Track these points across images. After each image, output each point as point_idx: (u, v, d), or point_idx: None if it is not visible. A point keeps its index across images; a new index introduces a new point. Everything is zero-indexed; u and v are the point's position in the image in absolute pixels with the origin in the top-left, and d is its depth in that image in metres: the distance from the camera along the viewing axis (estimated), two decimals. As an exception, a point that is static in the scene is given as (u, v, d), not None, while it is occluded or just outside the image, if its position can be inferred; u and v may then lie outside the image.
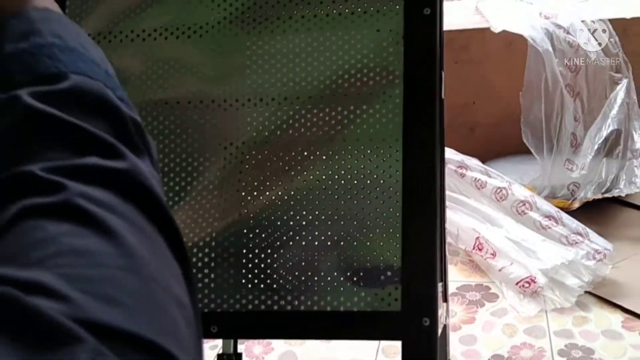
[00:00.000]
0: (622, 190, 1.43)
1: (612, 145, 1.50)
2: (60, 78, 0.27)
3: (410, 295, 0.53)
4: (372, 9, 0.58)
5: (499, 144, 1.84)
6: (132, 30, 0.58)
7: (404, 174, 0.54)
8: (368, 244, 0.54)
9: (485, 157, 1.88)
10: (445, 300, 0.99)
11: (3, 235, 0.22)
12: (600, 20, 1.68)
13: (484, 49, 1.80)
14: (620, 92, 1.57)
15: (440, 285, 0.57)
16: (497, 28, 1.58)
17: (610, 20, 1.67)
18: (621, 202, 1.50)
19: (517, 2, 1.80)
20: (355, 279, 0.54)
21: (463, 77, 1.87)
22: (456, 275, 1.32)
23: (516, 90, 1.60)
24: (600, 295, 1.19)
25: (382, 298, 0.53)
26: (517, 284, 1.21)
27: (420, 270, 0.53)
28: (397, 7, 0.57)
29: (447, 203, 1.40)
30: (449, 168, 1.50)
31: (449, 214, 1.37)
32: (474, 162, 1.55)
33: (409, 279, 0.53)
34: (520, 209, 1.34)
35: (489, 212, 1.34)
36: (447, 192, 1.44)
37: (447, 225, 1.38)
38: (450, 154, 1.52)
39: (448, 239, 1.38)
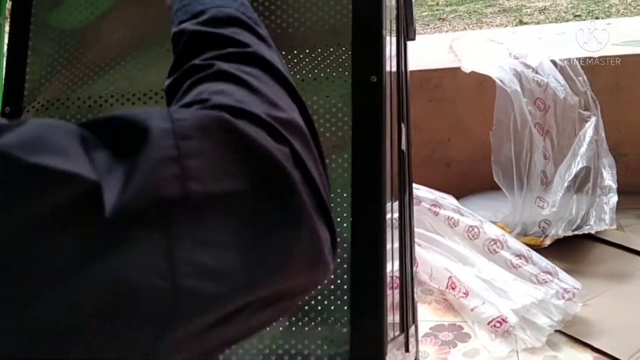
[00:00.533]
0: (592, 227, 1.45)
1: (581, 183, 1.53)
2: (203, 13, 0.42)
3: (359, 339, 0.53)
4: (322, 75, 0.60)
5: (475, 180, 1.86)
6: (89, 97, 0.59)
7: (352, 235, 0.55)
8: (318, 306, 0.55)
9: (461, 192, 1.91)
10: (416, 342, 1.00)
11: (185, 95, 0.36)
12: (568, 59, 1.73)
13: (457, 87, 1.84)
14: (589, 129, 1.61)
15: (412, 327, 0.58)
16: (467, 68, 1.62)
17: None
18: (592, 238, 1.52)
19: (488, 42, 1.85)
20: (305, 321, 0.55)
21: (437, 114, 1.91)
22: (430, 315, 1.33)
23: (489, 128, 1.64)
24: (571, 334, 1.20)
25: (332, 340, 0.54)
26: (488, 323, 1.22)
27: (368, 323, 0.54)
28: (346, 73, 0.59)
29: (421, 242, 1.41)
30: (423, 206, 1.52)
31: (423, 253, 1.38)
32: (448, 200, 1.57)
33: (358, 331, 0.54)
34: (492, 247, 1.35)
35: (462, 251, 1.35)
36: (422, 231, 1.45)
37: (421, 265, 1.39)
38: (424, 192, 1.54)
39: (423, 278, 1.40)
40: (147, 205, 0.25)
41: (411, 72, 1.88)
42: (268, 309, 0.31)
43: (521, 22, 5.97)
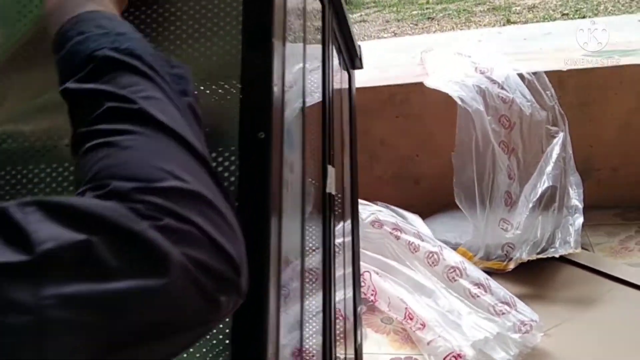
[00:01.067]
0: (557, 250, 1.41)
1: (547, 202, 1.48)
2: (92, 59, 0.40)
3: None
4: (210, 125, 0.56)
5: (444, 196, 1.81)
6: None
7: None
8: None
9: (431, 208, 1.87)
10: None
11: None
12: (535, 72, 1.68)
13: (424, 103, 1.79)
14: (556, 146, 1.56)
15: None
16: (430, 85, 1.57)
17: (547, 73, 1.67)
18: (559, 259, 1.48)
19: (455, 55, 1.80)
20: None
21: (405, 130, 1.86)
22: (387, 347, 1.29)
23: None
24: (529, 368, 1.16)
25: None
26: (445, 358, 1.17)
27: None
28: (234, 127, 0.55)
29: (379, 271, 1.37)
30: (385, 230, 1.47)
31: (381, 282, 1.34)
32: (411, 221, 1.53)
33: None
34: (451, 275, 1.31)
35: (420, 280, 1.31)
36: (380, 258, 1.41)
37: (380, 293, 1.35)
38: (386, 215, 1.50)
39: (382, 307, 1.35)
40: None
41: (378, 87, 1.86)
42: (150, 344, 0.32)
43: (509, 21, 5.93)
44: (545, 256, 1.40)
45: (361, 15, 8.31)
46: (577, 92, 1.69)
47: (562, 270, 1.46)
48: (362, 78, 1.95)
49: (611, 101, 1.69)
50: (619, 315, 1.29)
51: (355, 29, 7.13)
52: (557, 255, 1.39)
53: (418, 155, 1.89)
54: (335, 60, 0.99)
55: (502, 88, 1.61)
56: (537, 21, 5.83)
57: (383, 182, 1.93)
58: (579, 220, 1.45)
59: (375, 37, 6.28)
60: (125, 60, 0.40)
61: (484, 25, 5.94)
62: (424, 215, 1.86)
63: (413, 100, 1.81)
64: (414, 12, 7.92)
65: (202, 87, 0.59)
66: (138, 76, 0.40)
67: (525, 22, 5.65)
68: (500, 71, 1.67)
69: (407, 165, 1.90)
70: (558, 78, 1.69)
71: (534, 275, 1.44)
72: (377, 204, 1.79)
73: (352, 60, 1.12)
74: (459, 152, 1.49)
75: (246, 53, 0.56)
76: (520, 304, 1.21)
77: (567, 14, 5.87)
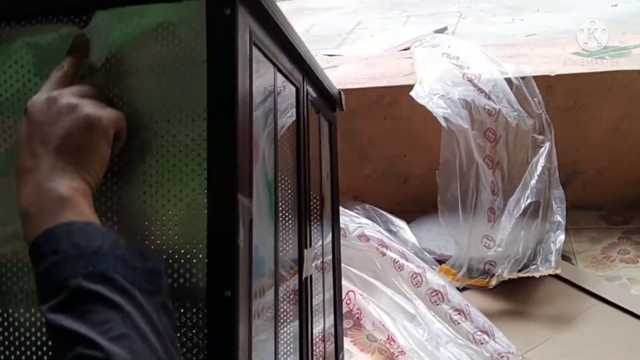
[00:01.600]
0: (538, 268, 1.44)
1: (530, 218, 1.50)
2: (64, 287, 0.42)
3: None
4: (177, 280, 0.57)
5: (430, 195, 1.83)
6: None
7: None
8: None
9: (418, 206, 1.89)
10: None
11: None
12: (524, 77, 1.66)
13: (412, 105, 1.77)
14: (541, 157, 1.57)
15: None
16: (416, 98, 1.56)
17: (535, 78, 1.66)
18: (541, 272, 1.51)
19: (443, 55, 1.77)
20: None
21: (393, 131, 1.86)
22: (372, 368, 1.34)
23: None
24: (505, 396, 1.21)
25: None
26: (423, 386, 1.22)
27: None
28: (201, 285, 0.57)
29: (362, 293, 1.40)
30: (371, 244, 1.50)
31: (364, 304, 1.37)
32: (395, 239, 1.55)
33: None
34: (433, 298, 1.34)
35: (402, 303, 1.35)
36: (365, 277, 1.44)
37: (364, 313, 1.39)
38: (373, 231, 1.52)
39: (367, 325, 1.40)
40: None
41: (366, 89, 1.83)
42: None
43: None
44: (525, 275, 1.43)
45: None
46: (566, 97, 1.68)
47: (542, 284, 1.49)
48: (350, 74, 1.94)
49: (600, 106, 1.68)
50: (598, 335, 1.33)
51: None
52: (537, 275, 1.42)
53: (406, 155, 1.89)
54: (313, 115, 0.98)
55: (489, 98, 1.59)
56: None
57: (372, 181, 1.94)
58: (561, 237, 1.47)
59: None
60: (97, 290, 0.43)
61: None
62: (411, 211, 1.89)
63: (402, 102, 1.79)
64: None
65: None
66: (109, 309, 0.42)
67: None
68: (487, 77, 1.65)
69: (395, 164, 1.91)
70: (546, 83, 1.67)
71: (514, 290, 1.48)
72: (365, 207, 1.82)
73: (332, 106, 1.11)
74: (443, 170, 1.49)
75: (211, 211, 0.57)
76: (499, 334, 1.25)
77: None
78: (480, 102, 1.56)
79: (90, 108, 0.54)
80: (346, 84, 1.85)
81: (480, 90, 1.61)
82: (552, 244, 1.46)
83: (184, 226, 0.59)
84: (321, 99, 1.01)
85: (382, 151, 1.89)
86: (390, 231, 1.71)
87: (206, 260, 0.56)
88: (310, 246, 0.88)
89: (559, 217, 1.50)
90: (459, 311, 1.30)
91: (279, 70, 0.75)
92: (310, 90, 0.92)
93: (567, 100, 1.68)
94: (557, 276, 1.49)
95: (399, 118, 1.83)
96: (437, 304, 1.33)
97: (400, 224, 1.72)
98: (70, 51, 0.61)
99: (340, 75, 1.95)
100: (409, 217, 1.85)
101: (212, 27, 0.58)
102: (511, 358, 1.21)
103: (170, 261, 0.58)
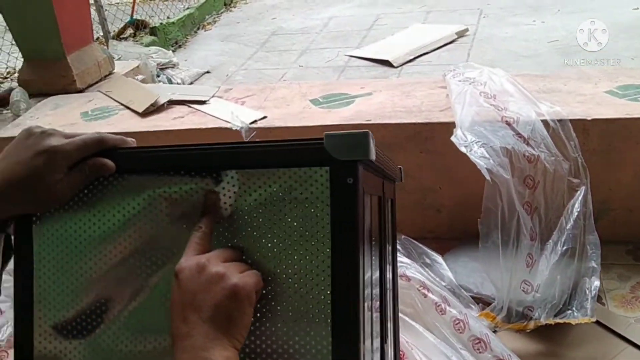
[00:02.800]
0: (574, 314, 1.51)
1: (566, 264, 1.57)
2: None
3: None
4: None
5: (463, 224, 1.89)
6: None
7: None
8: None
9: (451, 233, 1.96)
10: None
11: None
12: (560, 120, 1.71)
13: (448, 140, 1.82)
14: (577, 201, 1.62)
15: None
16: (458, 145, 1.61)
17: (571, 121, 1.70)
18: (574, 312, 1.58)
19: (480, 96, 1.81)
20: None
21: (429, 164, 1.91)
22: (415, 411, 1.42)
23: (479, 178, 1.63)
24: None
25: None
26: None
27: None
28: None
29: (407, 339, 1.48)
30: (412, 284, 1.56)
31: (407, 348, 1.45)
32: (434, 279, 1.61)
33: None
34: (476, 346, 1.42)
35: (445, 349, 1.42)
36: (407, 320, 1.51)
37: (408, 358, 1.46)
38: (414, 272, 1.58)
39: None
40: None
41: (404, 124, 1.88)
42: None
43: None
44: (562, 321, 1.51)
45: None
46: (600, 140, 1.73)
47: (577, 325, 1.56)
48: (386, 105, 1.97)
49: (633, 148, 1.73)
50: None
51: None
52: (573, 322, 1.49)
53: (441, 187, 1.94)
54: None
55: (528, 144, 1.64)
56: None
57: (406, 210, 2.00)
58: (596, 283, 1.54)
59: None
60: None
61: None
62: (443, 238, 1.96)
63: (437, 139, 1.84)
64: None
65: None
66: None
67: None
68: (525, 119, 1.69)
69: (429, 195, 1.96)
70: (582, 126, 1.71)
71: (549, 332, 1.55)
72: (400, 238, 1.88)
73: (392, 176, 1.16)
74: (485, 219, 1.55)
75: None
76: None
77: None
78: (520, 149, 1.61)
79: (236, 277, 0.61)
80: (384, 117, 1.90)
81: (519, 135, 1.65)
82: (587, 291, 1.53)
83: None
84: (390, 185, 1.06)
85: (417, 183, 1.94)
86: (426, 264, 1.79)
87: None
88: (387, 341, 0.95)
89: (594, 263, 1.56)
90: (501, 360, 1.38)
91: (371, 196, 0.81)
92: (388, 191, 0.98)
93: (602, 143, 1.73)
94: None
95: (434, 152, 1.88)
96: (480, 352, 1.41)
97: (436, 258, 1.79)
98: (204, 209, 0.67)
99: (376, 106, 1.99)
100: (442, 243, 1.92)
101: (335, 193, 0.64)
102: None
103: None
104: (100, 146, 0.71)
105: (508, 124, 1.68)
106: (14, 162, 0.67)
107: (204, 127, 1.99)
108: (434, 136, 1.85)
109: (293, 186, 0.66)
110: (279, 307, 0.66)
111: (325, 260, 0.64)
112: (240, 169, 0.68)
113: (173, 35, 4.35)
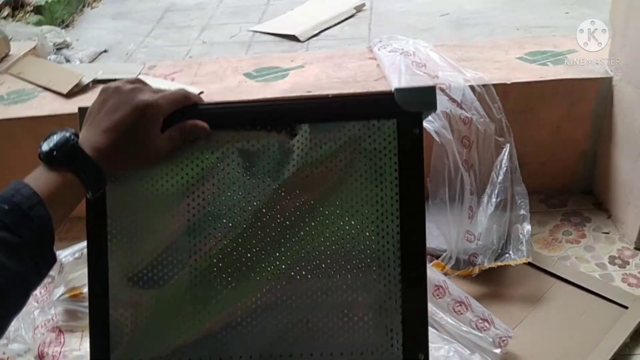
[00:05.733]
0: (512, 257, 1.70)
1: (500, 212, 1.75)
2: None
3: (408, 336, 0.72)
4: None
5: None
6: None
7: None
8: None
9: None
10: None
11: None
12: (485, 85, 1.88)
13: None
14: (504, 157, 1.81)
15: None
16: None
17: (494, 85, 1.88)
18: (507, 256, 1.78)
19: (413, 65, 1.94)
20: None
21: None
22: None
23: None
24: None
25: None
26: None
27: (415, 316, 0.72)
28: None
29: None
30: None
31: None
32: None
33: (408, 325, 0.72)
34: (436, 292, 1.56)
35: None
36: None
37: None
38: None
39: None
40: None
41: (344, 95, 1.95)
42: None
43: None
44: (502, 263, 1.69)
45: None
46: (519, 101, 1.93)
47: (513, 268, 1.75)
48: (321, 77, 2.04)
49: (547, 108, 1.95)
50: (564, 312, 1.62)
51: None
52: (512, 263, 1.68)
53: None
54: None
55: (461, 108, 1.80)
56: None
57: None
58: (528, 227, 1.74)
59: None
60: None
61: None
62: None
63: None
64: None
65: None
66: None
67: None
68: (455, 86, 1.85)
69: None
70: (503, 89, 1.90)
71: (491, 274, 1.73)
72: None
73: None
74: (433, 178, 1.69)
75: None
76: (497, 320, 1.50)
77: None
78: (456, 112, 1.76)
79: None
80: (323, 89, 1.97)
81: (453, 100, 1.80)
82: (521, 235, 1.72)
83: None
84: None
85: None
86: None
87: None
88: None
89: (524, 211, 1.76)
90: (460, 303, 1.53)
91: None
92: None
93: (520, 104, 1.93)
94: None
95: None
96: (440, 297, 1.55)
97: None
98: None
99: (312, 78, 2.05)
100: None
101: (403, 143, 0.71)
102: (509, 341, 1.46)
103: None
104: (186, 102, 0.72)
105: (442, 90, 1.82)
106: (115, 124, 0.67)
107: (140, 105, 1.94)
108: (371, 105, 1.95)
109: (362, 137, 0.72)
110: (351, 253, 0.73)
111: (394, 204, 0.71)
112: (313, 123, 0.72)
113: (59, 14, 4.08)
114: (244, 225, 0.72)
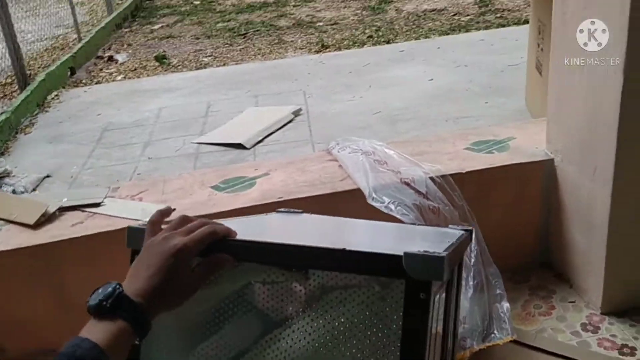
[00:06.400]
0: (497, 336, 1.77)
1: (479, 295, 1.84)
2: None
3: None
4: None
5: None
6: None
7: None
8: None
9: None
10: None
11: None
12: (443, 175, 2.03)
13: (357, 206, 2.03)
14: (472, 242, 1.92)
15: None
16: (380, 207, 1.82)
17: (451, 175, 2.03)
18: (491, 336, 1.85)
19: (375, 164, 2.07)
20: None
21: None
22: None
23: None
24: None
25: None
26: None
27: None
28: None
29: None
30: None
31: None
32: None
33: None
34: None
35: None
36: None
37: None
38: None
39: None
40: None
41: (315, 197, 2.02)
42: None
43: (323, 46, 6.38)
44: (491, 343, 1.76)
45: (162, 27, 8.13)
46: (475, 188, 2.08)
47: (497, 347, 1.82)
48: (288, 182, 2.12)
49: (500, 192, 2.11)
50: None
51: (166, 47, 6.98)
52: (500, 342, 1.75)
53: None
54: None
55: (428, 199, 1.92)
56: (346, 41, 6.37)
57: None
58: (506, 305, 1.83)
59: (197, 62, 6.25)
60: None
61: (300, 49, 6.33)
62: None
63: (348, 204, 2.03)
64: (219, 25, 8.02)
65: None
66: None
67: (338, 45, 6.15)
68: (418, 178, 1.98)
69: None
70: (460, 178, 2.05)
71: (478, 357, 1.79)
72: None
73: None
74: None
75: None
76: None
77: (371, 37, 6.51)
78: (424, 203, 1.88)
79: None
80: (293, 193, 2.05)
81: (419, 192, 1.93)
82: (502, 314, 1.81)
83: None
84: None
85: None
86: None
87: None
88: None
89: (499, 290, 1.86)
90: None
91: None
92: None
93: (476, 190, 2.08)
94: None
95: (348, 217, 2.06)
96: None
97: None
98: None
99: (280, 184, 2.13)
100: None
101: (408, 304, 0.75)
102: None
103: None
104: (214, 238, 0.79)
105: (407, 184, 1.95)
106: (153, 272, 0.76)
107: (113, 228, 1.93)
108: (344, 203, 2.03)
109: (370, 291, 0.78)
110: None
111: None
112: (327, 270, 0.79)
113: (-8, 143, 4.02)
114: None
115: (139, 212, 1.97)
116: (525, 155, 2.14)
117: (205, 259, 0.79)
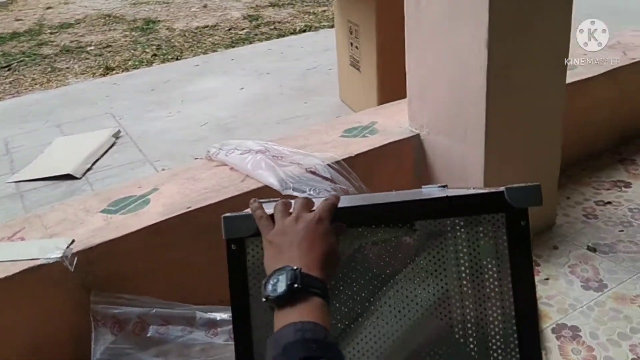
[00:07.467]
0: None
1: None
2: None
3: None
4: None
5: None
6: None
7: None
8: None
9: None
10: None
11: None
12: (337, 162, 2.16)
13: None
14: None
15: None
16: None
17: (344, 160, 2.17)
18: None
19: (273, 159, 2.11)
20: None
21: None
22: None
23: None
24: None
25: None
26: None
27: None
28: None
29: None
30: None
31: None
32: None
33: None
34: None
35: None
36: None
37: None
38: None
39: None
40: None
41: (224, 200, 1.99)
42: None
43: (108, 68, 6.06)
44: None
45: None
46: (363, 169, 2.25)
47: None
48: (188, 193, 2.03)
49: (383, 169, 2.32)
50: None
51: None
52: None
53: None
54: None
55: (335, 183, 2.04)
56: (130, 61, 6.16)
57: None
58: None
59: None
60: None
61: (81, 74, 5.94)
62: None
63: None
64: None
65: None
66: None
67: (124, 66, 5.90)
68: (319, 167, 2.08)
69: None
70: (350, 162, 2.20)
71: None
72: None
73: None
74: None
75: None
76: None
77: (155, 55, 6.37)
78: (336, 188, 1.99)
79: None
80: (199, 202, 1.98)
81: (326, 179, 2.04)
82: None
83: None
84: None
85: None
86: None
87: None
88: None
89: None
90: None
91: None
92: None
93: (365, 170, 2.26)
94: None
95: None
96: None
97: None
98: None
99: (178, 196, 2.04)
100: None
101: (512, 233, 0.85)
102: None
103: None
104: (335, 207, 0.85)
105: (313, 172, 2.04)
106: (307, 245, 0.79)
107: (11, 273, 1.67)
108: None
109: (474, 229, 0.86)
110: (468, 338, 0.86)
111: (508, 290, 0.85)
112: (430, 219, 0.86)
113: None
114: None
115: (36, 250, 1.72)
116: (395, 134, 2.39)
117: (333, 226, 0.82)
